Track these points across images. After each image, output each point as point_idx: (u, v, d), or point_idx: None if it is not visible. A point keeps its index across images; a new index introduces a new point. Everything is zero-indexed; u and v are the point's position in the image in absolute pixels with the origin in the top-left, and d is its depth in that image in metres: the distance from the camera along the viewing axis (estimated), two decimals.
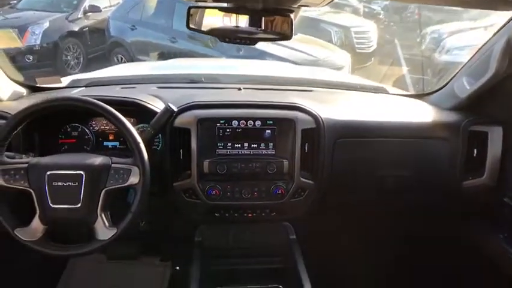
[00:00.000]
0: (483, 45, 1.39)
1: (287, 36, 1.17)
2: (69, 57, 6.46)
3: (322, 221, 1.56)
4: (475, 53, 1.44)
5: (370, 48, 7.08)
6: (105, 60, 6.34)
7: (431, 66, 5.74)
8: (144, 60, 5.65)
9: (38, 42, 6.05)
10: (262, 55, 4.59)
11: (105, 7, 6.98)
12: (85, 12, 6.75)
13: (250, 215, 1.45)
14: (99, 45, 6.68)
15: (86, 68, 6.37)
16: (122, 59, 6.16)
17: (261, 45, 4.79)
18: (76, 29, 6.58)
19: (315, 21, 6.75)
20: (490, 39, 1.35)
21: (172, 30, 5.71)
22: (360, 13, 8.94)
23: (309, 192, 1.42)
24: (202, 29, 1.17)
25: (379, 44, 7.27)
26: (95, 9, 6.79)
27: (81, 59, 6.63)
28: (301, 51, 5.10)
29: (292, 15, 1.15)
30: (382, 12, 9.62)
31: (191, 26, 1.15)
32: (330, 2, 0.98)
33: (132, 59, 5.94)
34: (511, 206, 1.44)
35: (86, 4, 6.79)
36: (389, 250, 1.71)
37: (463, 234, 1.65)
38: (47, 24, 6.19)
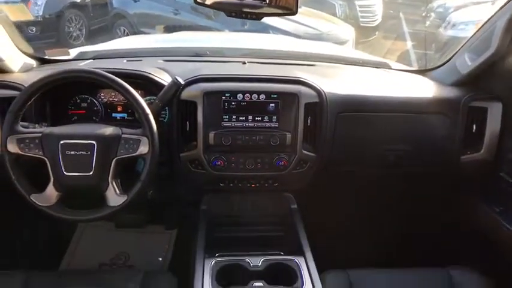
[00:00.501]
0: (486, 21, 1.40)
1: (292, 11, 1.19)
2: (71, 28, 6.41)
3: (322, 192, 1.62)
4: (478, 30, 1.45)
5: (375, 22, 7.00)
6: (107, 32, 6.31)
7: (436, 41, 5.68)
8: (147, 33, 5.61)
9: (41, 13, 5.99)
10: (266, 29, 4.55)
11: None
12: None
13: (253, 185, 1.50)
14: (101, 17, 6.63)
15: (89, 40, 6.34)
16: (124, 31, 6.12)
17: (264, 19, 4.75)
18: (78, 0, 6.52)
19: None
20: (493, 16, 1.36)
21: (175, 2, 5.67)
22: None
23: (310, 164, 1.47)
24: (207, 2, 1.20)
25: (384, 18, 7.17)
26: None
27: (84, 30, 6.58)
28: (304, 25, 5.05)
29: None
30: None
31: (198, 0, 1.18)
32: None
33: (134, 31, 5.90)
34: (506, 181, 1.49)
35: None
36: (387, 220, 1.78)
37: (459, 206, 1.71)
38: None
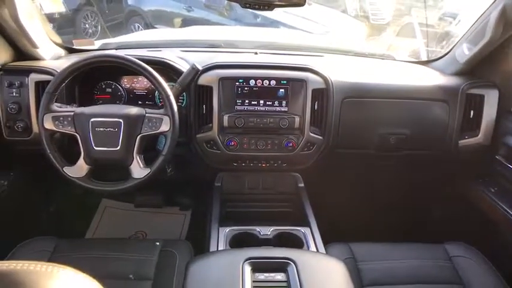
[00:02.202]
0: (481, 14, 1.50)
1: (300, 3, 1.30)
2: (87, 25, 6.58)
3: (328, 172, 1.73)
4: (475, 21, 1.55)
5: (385, 20, 7.04)
6: (122, 28, 6.45)
7: (447, 38, 5.70)
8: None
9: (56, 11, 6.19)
10: (276, 24, 4.67)
11: None
12: None
13: (264, 165, 1.62)
14: (116, 14, 6.79)
15: (104, 37, 6.49)
16: (138, 27, 6.26)
17: (275, 15, 4.89)
18: None
19: None
20: (487, 8, 1.46)
21: None
22: None
23: (317, 146, 1.59)
24: None
25: (395, 16, 7.20)
26: None
27: (99, 27, 6.75)
28: (314, 22, 5.15)
29: None
30: None
31: None
32: None
33: (148, 27, 6.05)
34: (502, 163, 1.58)
35: None
36: (388, 198, 1.88)
37: (457, 187, 1.81)
38: None
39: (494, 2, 1.42)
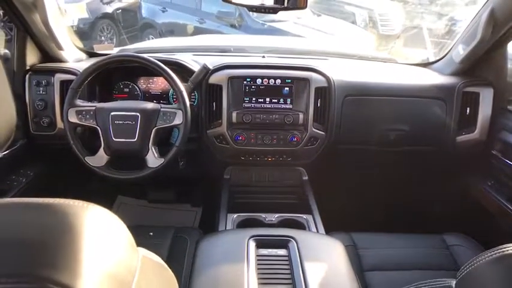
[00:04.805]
0: (475, 15, 1.59)
1: (302, 6, 1.41)
2: (103, 37, 6.83)
3: (331, 166, 1.82)
4: (469, 23, 1.65)
5: (394, 31, 7.12)
6: (137, 40, 6.67)
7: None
8: None
9: (75, 23, 6.44)
10: (285, 34, 4.82)
11: None
12: None
13: (270, 159, 1.72)
14: (131, 27, 7.03)
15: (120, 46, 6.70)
16: (152, 39, 6.49)
17: (285, 27, 5.05)
18: (110, 11, 6.93)
19: (339, 3, 6.87)
20: (480, 9, 1.55)
21: (201, 12, 5.99)
22: None
23: (320, 141, 1.68)
24: (234, 1, 1.44)
25: (405, 27, 7.28)
26: None
27: (114, 39, 6.99)
28: (323, 32, 5.28)
29: None
30: None
31: None
32: None
33: None
34: (498, 157, 1.65)
35: None
36: (388, 191, 1.95)
37: (455, 181, 1.88)
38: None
39: (485, 4, 1.51)
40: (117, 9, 7.01)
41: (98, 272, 0.46)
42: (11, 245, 0.43)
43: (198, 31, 5.87)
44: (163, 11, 6.49)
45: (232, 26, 5.69)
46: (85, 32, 6.51)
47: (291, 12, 4.81)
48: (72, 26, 6.40)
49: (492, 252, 0.67)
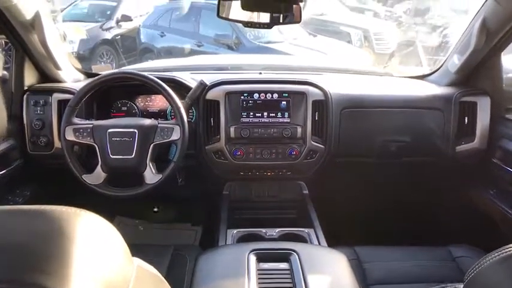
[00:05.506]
0: (468, 25, 1.61)
1: (297, 21, 1.43)
2: (102, 63, 6.93)
3: (331, 179, 1.80)
4: (463, 33, 1.67)
5: (389, 50, 7.23)
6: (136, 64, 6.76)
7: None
8: None
9: (75, 49, 6.55)
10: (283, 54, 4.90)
11: (135, 16, 7.46)
12: (117, 22, 7.24)
13: (269, 173, 1.71)
14: (130, 52, 7.14)
15: None
16: None
17: (282, 48, 5.13)
18: (109, 37, 7.08)
19: (335, 24, 7.00)
20: (472, 19, 1.57)
21: (199, 35, 6.11)
22: (381, 17, 9.09)
23: (319, 154, 1.67)
24: (229, 17, 1.45)
25: (400, 45, 7.39)
26: (126, 18, 7.28)
27: (114, 64, 7.09)
28: (321, 52, 5.36)
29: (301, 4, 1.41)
30: (403, 15, 9.73)
31: (220, 15, 1.44)
32: None
33: None
34: (499, 165, 1.64)
35: (119, 14, 7.29)
36: (391, 204, 1.93)
37: (458, 190, 1.86)
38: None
39: (476, 13, 1.53)
40: (117, 35, 7.16)
41: (90, 278, 0.45)
42: (1, 250, 0.43)
43: (196, 54, 5.96)
44: (161, 36, 6.62)
45: (230, 47, 5.78)
46: (85, 58, 6.62)
47: (288, 33, 4.89)
48: (72, 52, 6.54)
49: (498, 253, 0.66)
